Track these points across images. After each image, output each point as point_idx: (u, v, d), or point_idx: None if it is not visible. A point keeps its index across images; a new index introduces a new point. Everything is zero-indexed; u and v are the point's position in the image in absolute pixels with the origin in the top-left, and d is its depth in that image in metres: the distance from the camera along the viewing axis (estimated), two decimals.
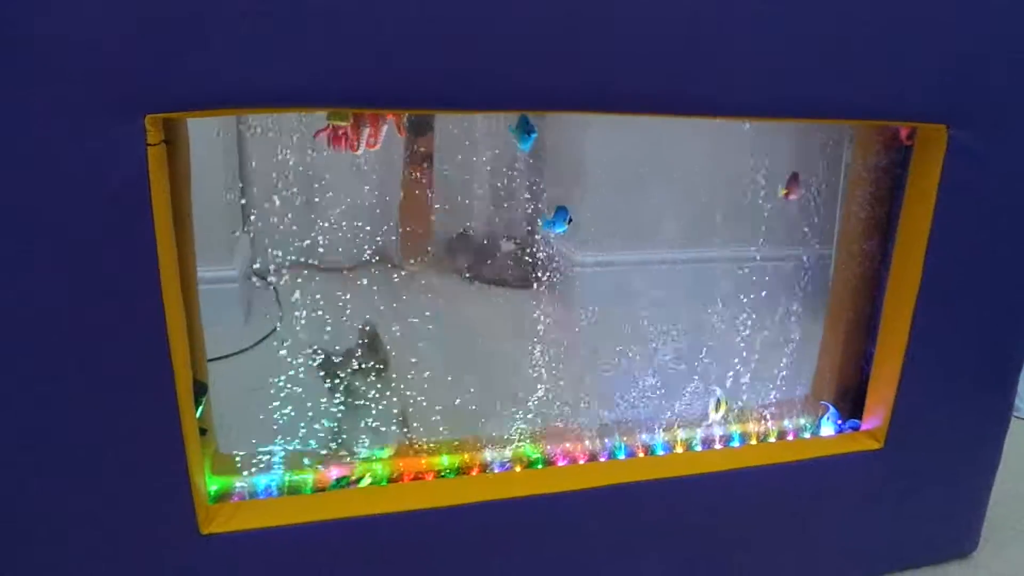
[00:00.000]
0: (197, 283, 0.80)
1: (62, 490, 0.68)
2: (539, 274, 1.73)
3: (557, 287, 1.75)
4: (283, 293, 1.14)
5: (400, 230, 1.82)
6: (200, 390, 0.77)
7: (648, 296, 1.21)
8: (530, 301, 1.34)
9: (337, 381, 0.95)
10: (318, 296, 1.05)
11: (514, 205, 1.90)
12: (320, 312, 1.05)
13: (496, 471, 0.89)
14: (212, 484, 0.81)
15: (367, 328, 1.03)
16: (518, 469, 0.89)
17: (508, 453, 0.91)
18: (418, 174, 1.54)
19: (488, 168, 1.83)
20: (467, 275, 1.84)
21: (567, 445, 0.92)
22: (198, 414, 0.76)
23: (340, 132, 0.74)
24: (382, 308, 1.09)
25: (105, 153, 0.60)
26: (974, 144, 0.83)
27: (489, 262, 1.86)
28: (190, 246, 0.77)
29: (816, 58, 0.76)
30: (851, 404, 1.01)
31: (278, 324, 1.13)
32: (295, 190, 1.01)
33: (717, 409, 0.95)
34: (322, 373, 0.93)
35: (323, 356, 0.95)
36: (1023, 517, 1.15)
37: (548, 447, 0.91)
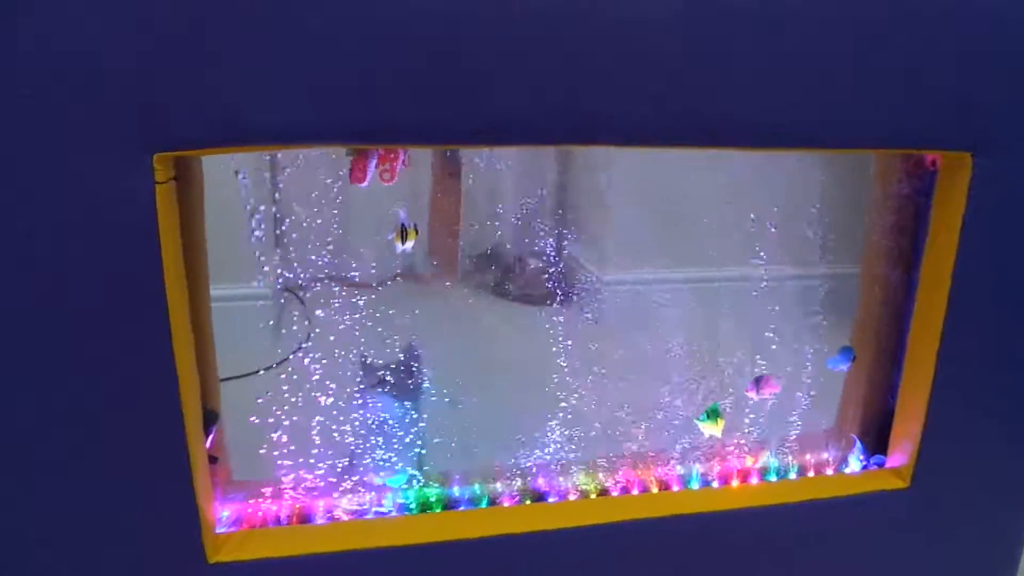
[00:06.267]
0: (210, 310, 0.81)
1: (69, 516, 0.69)
2: (565, 292, 1.72)
3: (583, 305, 1.74)
4: (312, 310, 1.15)
5: (428, 246, 1.82)
6: (210, 418, 0.77)
7: (671, 318, 1.19)
8: (554, 319, 1.33)
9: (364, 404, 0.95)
10: (345, 313, 1.05)
11: (542, 222, 1.90)
12: (346, 329, 1.05)
13: (508, 503, 0.88)
14: (224, 511, 0.82)
15: (405, 353, 1.03)
16: (528, 502, 0.88)
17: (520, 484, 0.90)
18: (446, 191, 1.55)
19: (516, 185, 1.84)
20: (494, 292, 1.84)
21: (580, 479, 0.91)
22: (208, 442, 0.77)
23: (362, 165, 0.74)
24: (410, 325, 1.09)
25: (115, 190, 0.61)
26: (1000, 172, 0.80)
27: (516, 279, 1.86)
28: (203, 274, 0.78)
29: (836, 87, 0.74)
30: (876, 438, 0.97)
31: (303, 344, 1.13)
32: (326, 207, 1.03)
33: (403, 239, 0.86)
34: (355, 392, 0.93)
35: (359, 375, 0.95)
36: None
37: (559, 482, 0.90)
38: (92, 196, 0.62)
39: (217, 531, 0.78)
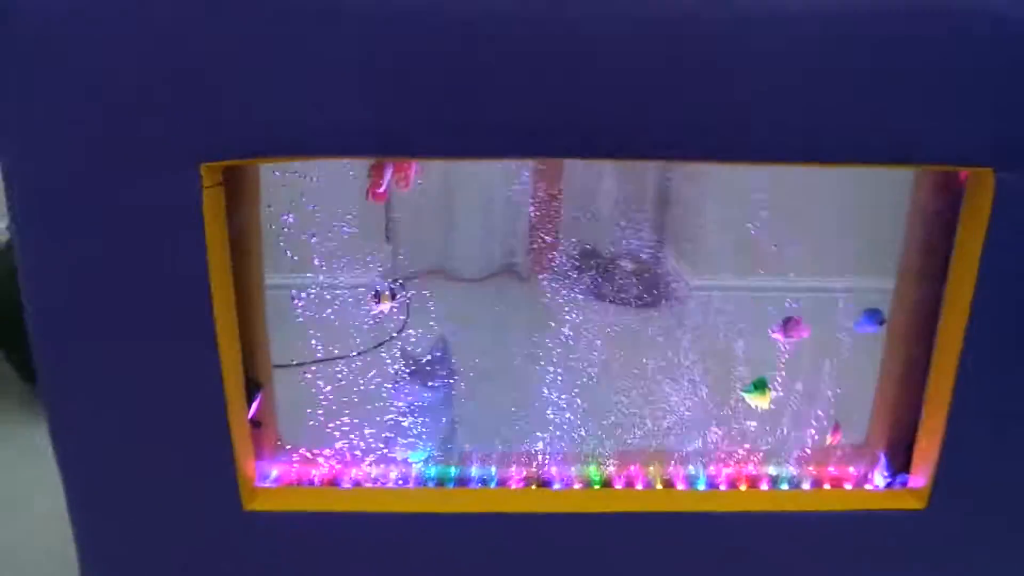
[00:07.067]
0: (264, 296, 0.94)
1: (129, 469, 0.84)
2: (656, 295, 1.75)
3: (671, 308, 1.76)
4: (412, 301, 1.28)
5: (529, 244, 1.91)
6: (253, 388, 0.90)
7: (742, 324, 1.20)
8: (643, 320, 1.37)
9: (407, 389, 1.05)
10: (434, 304, 1.16)
11: (638, 225, 1.95)
12: (432, 320, 1.16)
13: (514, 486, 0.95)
14: (273, 471, 0.95)
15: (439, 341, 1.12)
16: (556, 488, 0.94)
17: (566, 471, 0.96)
18: (546, 191, 1.62)
19: (614, 186, 1.90)
20: (589, 292, 1.91)
21: (588, 471, 0.96)
22: (252, 410, 0.90)
23: (379, 184, 0.84)
24: (500, 318, 1.17)
25: (167, 194, 0.74)
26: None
27: (610, 280, 1.92)
28: (257, 262, 0.91)
29: (855, 102, 0.75)
30: (905, 457, 0.95)
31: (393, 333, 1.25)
32: (431, 205, 1.11)
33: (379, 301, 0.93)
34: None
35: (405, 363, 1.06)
36: None
37: (567, 471, 0.96)
38: (152, 198, 0.75)
39: (259, 485, 0.91)
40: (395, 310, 1.22)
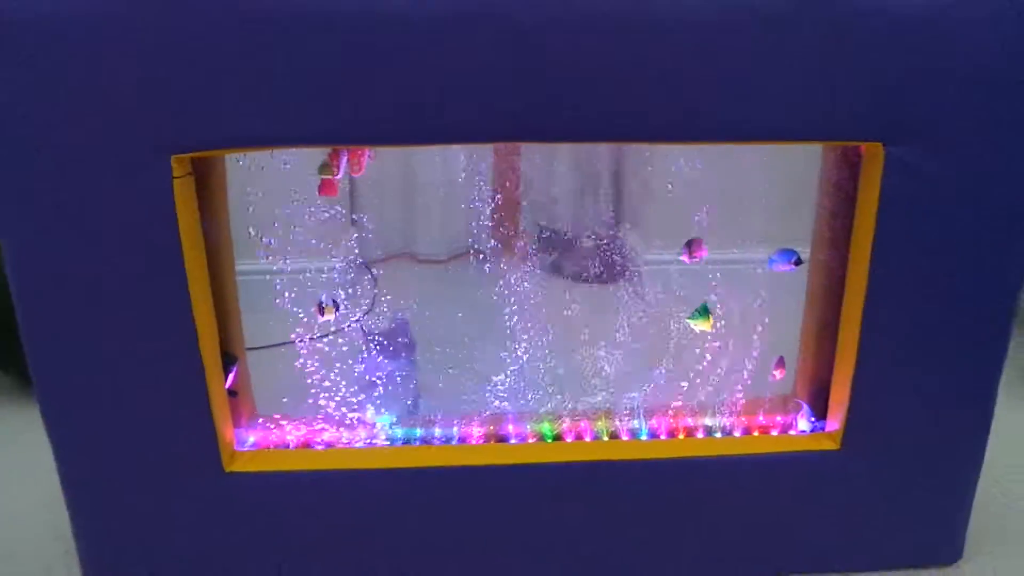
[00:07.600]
0: (235, 276, 1.02)
1: (118, 439, 0.92)
2: (612, 271, 1.85)
3: (626, 283, 1.86)
4: (380, 282, 1.36)
5: (491, 225, 2.00)
6: (229, 360, 0.98)
7: (690, 295, 1.29)
8: (600, 293, 1.46)
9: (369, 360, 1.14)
10: (386, 286, 1.23)
11: (594, 203, 2.04)
12: (395, 301, 1.24)
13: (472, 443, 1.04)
14: (250, 437, 1.04)
15: (398, 316, 1.21)
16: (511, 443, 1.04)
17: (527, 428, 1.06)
18: (506, 172, 1.70)
19: (568, 166, 1.99)
20: (549, 270, 2.01)
21: (541, 427, 1.05)
22: (228, 381, 0.98)
23: (329, 181, 0.92)
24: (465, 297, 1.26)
25: (141, 183, 0.82)
26: (911, 160, 0.86)
27: (569, 258, 2.02)
28: (227, 245, 0.99)
29: (744, 80, 0.83)
30: (825, 404, 1.05)
31: (357, 316, 1.32)
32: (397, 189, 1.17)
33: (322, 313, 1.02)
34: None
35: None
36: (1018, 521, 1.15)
37: (523, 428, 1.05)
38: (129, 187, 0.83)
39: (238, 449, 0.99)
40: (366, 289, 1.30)
